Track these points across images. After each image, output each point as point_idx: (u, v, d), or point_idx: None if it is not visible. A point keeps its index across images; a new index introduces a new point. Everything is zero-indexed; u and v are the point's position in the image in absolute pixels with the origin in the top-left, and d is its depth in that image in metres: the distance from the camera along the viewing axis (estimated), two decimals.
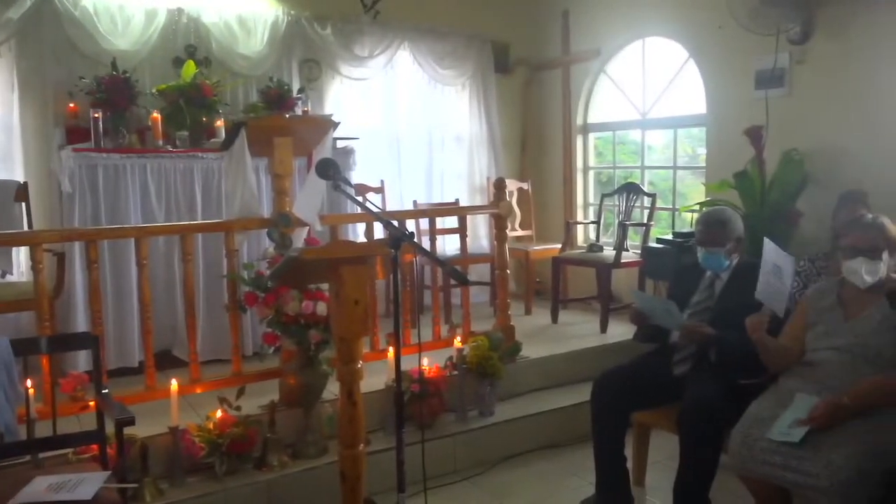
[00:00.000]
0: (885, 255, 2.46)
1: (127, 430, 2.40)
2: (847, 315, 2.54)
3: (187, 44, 4.64)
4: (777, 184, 4.09)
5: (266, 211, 3.56)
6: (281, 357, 3.30)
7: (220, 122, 4.39)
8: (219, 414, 2.96)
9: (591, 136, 6.04)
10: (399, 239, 2.09)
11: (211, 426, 2.93)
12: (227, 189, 3.66)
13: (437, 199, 5.70)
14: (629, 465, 3.02)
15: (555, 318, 4.95)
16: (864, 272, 2.48)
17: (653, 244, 4.77)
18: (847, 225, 2.71)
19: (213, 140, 4.27)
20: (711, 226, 2.99)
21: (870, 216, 2.65)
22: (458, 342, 3.69)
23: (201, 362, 3.38)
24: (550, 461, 3.55)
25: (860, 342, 2.44)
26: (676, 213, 5.28)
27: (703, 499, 2.66)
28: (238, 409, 3.01)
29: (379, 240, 3.40)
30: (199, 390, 3.26)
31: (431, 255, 2.64)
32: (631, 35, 5.39)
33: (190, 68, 4.38)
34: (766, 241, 2.76)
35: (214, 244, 3.78)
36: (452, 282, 4.55)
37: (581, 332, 4.68)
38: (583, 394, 3.23)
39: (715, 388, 2.66)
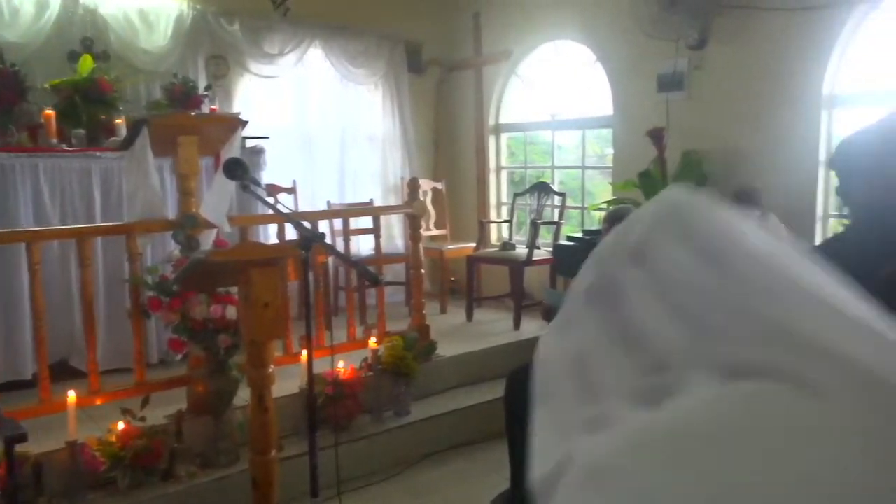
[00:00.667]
0: None
1: (19, 448, 2.25)
2: None
3: (84, 36, 4.39)
4: (678, 183, 4.28)
5: (171, 212, 3.42)
6: (188, 364, 3.18)
7: (120, 120, 4.19)
8: (121, 426, 2.83)
9: (504, 137, 6.14)
10: (310, 240, 2.06)
11: (113, 439, 2.79)
12: (128, 190, 3.49)
13: (351, 199, 5.65)
14: None
15: (469, 317, 5.00)
16: None
17: (563, 242, 4.90)
18: None
19: (112, 139, 4.06)
20: (616, 223, 3.09)
21: (757, 214, 2.81)
22: (373, 343, 3.67)
23: (102, 372, 3.21)
24: (468, 458, 3.58)
25: None
26: (585, 211, 5.44)
27: None
28: (142, 419, 2.88)
29: (290, 241, 3.33)
30: (99, 402, 3.10)
31: (343, 256, 2.61)
32: (541, 38, 5.52)
33: (87, 63, 4.15)
34: None
35: (115, 248, 3.60)
36: (367, 282, 4.52)
37: (495, 329, 4.75)
38: (498, 390, 3.27)
39: None
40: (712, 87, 4.39)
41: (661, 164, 4.35)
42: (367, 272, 2.18)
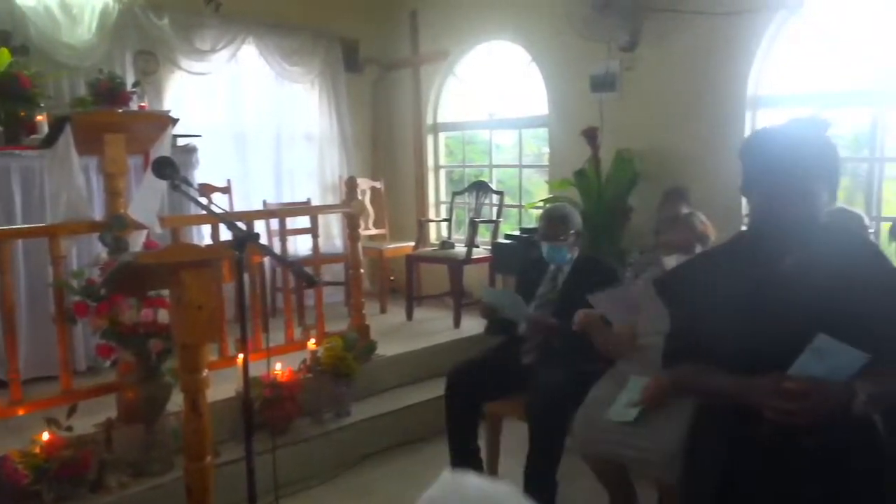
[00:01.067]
0: (697, 248, 2.70)
1: None
2: None
3: (0, 29, 4.19)
4: (611, 181, 4.39)
5: (98, 213, 3.30)
6: (118, 370, 3.07)
7: (41, 117, 3.99)
8: (46, 436, 2.71)
9: (442, 136, 6.16)
10: (243, 240, 2.02)
11: (37, 450, 2.67)
12: (51, 190, 3.36)
13: (288, 198, 5.56)
14: (483, 454, 3.11)
15: (409, 316, 5.00)
16: None
17: (502, 240, 4.95)
18: (663, 222, 2.95)
19: (33, 137, 3.88)
20: (552, 221, 3.14)
21: (685, 211, 2.90)
22: (311, 344, 3.63)
23: (25, 381, 3.07)
24: (409, 457, 3.58)
25: None
26: (523, 209, 5.51)
27: (552, 481, 2.80)
28: (69, 429, 2.76)
29: (224, 241, 3.26)
30: (22, 412, 2.96)
31: (278, 256, 2.58)
32: (478, 38, 5.55)
33: (4, 56, 3.95)
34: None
35: (38, 251, 3.45)
36: (304, 283, 4.47)
37: (435, 327, 4.76)
38: (439, 388, 3.28)
39: (560, 375, 2.80)
40: (643, 88, 4.51)
41: (596, 163, 4.44)
42: (303, 273, 2.15)
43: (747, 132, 4.12)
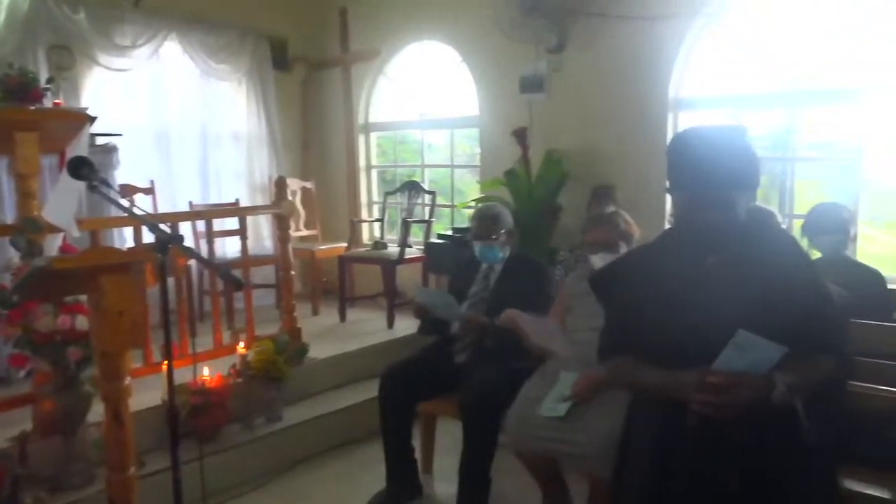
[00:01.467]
0: (622, 246, 2.77)
1: None
2: None
3: None
4: (541, 181, 4.46)
5: (9, 216, 3.13)
6: (33, 380, 2.92)
7: None
8: None
9: (374, 136, 6.12)
10: (166, 242, 1.95)
11: None
12: None
13: (215, 199, 5.42)
14: (418, 454, 3.11)
15: (343, 317, 4.95)
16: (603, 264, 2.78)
17: (434, 240, 4.96)
18: (589, 222, 3.01)
19: None
20: (484, 221, 3.17)
21: (611, 210, 2.98)
22: (241, 348, 3.55)
23: None
24: (344, 460, 3.54)
25: None
26: (455, 209, 5.54)
27: (485, 478, 2.82)
28: None
29: (146, 244, 3.14)
30: None
31: (203, 259, 2.50)
32: (408, 37, 5.54)
33: None
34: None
35: None
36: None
37: (369, 328, 4.73)
38: (373, 390, 3.26)
39: (492, 373, 2.83)
40: (571, 90, 4.60)
41: (526, 163, 4.51)
42: (229, 275, 2.09)
43: (670, 133, 4.26)
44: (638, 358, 1.69)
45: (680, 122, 4.30)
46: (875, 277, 2.90)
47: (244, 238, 4.02)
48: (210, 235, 4.03)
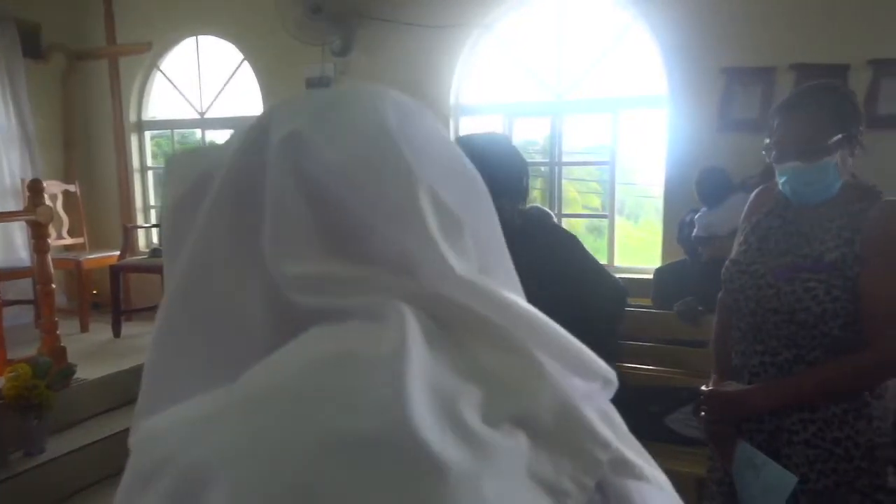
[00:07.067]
0: None
1: None
2: None
3: None
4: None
5: None
6: None
7: None
8: None
9: (148, 135, 5.69)
10: None
11: None
12: None
13: None
14: None
15: (117, 333, 4.53)
16: None
17: None
18: None
19: None
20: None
21: None
22: None
23: None
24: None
25: None
26: None
27: None
28: None
29: None
30: None
31: None
32: (184, 31, 5.23)
33: None
34: None
35: None
36: None
37: (147, 344, 4.37)
38: None
39: None
40: None
41: None
42: None
43: (452, 138, 4.46)
44: None
45: (462, 128, 4.53)
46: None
47: None
48: None
